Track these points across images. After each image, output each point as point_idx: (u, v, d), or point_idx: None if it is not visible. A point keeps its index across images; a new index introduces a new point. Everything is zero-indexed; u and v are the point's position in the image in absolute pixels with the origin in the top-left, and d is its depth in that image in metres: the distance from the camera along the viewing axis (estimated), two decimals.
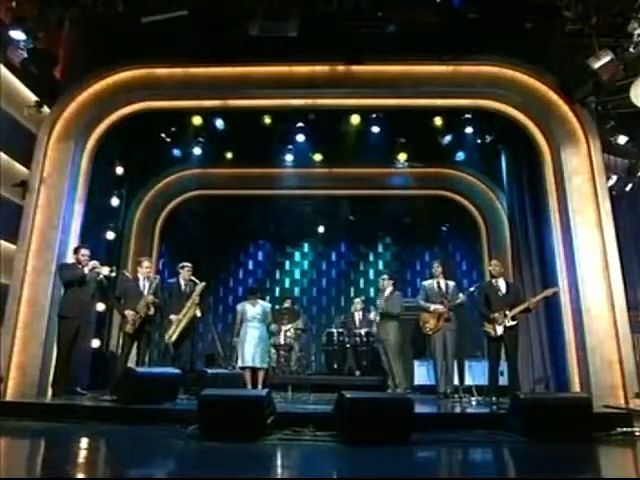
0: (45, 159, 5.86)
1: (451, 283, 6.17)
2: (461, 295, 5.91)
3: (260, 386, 6.12)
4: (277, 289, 10.05)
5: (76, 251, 5.60)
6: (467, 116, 6.95)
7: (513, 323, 5.37)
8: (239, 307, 6.53)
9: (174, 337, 5.67)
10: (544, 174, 6.05)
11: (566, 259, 5.70)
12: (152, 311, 5.58)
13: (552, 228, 5.91)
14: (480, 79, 6.03)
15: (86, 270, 5.42)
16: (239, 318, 6.43)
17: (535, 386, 6.03)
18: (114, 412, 4.50)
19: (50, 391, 5.33)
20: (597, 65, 5.00)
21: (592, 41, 5.17)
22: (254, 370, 6.22)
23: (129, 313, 5.45)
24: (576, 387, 5.42)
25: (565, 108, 5.83)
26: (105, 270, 5.51)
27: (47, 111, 5.92)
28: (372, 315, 6.56)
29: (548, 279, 5.98)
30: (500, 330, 5.35)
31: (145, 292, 5.58)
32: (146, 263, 5.85)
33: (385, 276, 6.66)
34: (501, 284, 5.63)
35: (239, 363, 6.21)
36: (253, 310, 6.38)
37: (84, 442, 3.72)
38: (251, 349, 6.16)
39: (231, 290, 9.81)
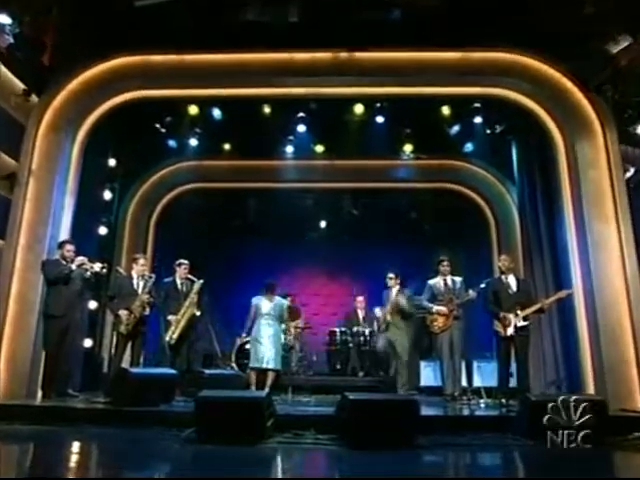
0: (34, 150, 5.68)
1: (457, 279, 5.97)
2: (471, 291, 5.69)
3: (268, 389, 5.64)
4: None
5: (61, 246, 5.35)
6: (476, 105, 6.67)
7: (524, 323, 5.18)
8: (254, 301, 6.06)
9: (174, 337, 5.50)
10: (557, 166, 5.86)
11: (580, 255, 5.52)
12: (147, 311, 5.40)
13: (565, 222, 5.72)
14: (490, 66, 5.83)
15: (73, 266, 5.19)
16: (252, 313, 5.99)
17: (547, 388, 5.87)
18: (108, 414, 4.42)
19: (40, 393, 5.15)
20: (616, 50, 4.78)
21: (610, 25, 4.92)
22: (262, 371, 5.82)
23: (123, 313, 5.28)
24: (590, 389, 5.25)
25: (580, 96, 5.63)
26: (97, 266, 5.30)
27: (35, 100, 5.73)
28: (379, 312, 6.26)
29: (561, 275, 5.83)
30: (511, 330, 5.18)
31: (139, 291, 5.41)
32: (141, 261, 5.68)
33: (392, 275, 6.37)
34: (511, 281, 5.47)
35: (251, 363, 5.87)
36: (268, 306, 5.95)
37: (76, 446, 3.64)
38: (265, 350, 5.77)
39: (229, 288, 9.57)
